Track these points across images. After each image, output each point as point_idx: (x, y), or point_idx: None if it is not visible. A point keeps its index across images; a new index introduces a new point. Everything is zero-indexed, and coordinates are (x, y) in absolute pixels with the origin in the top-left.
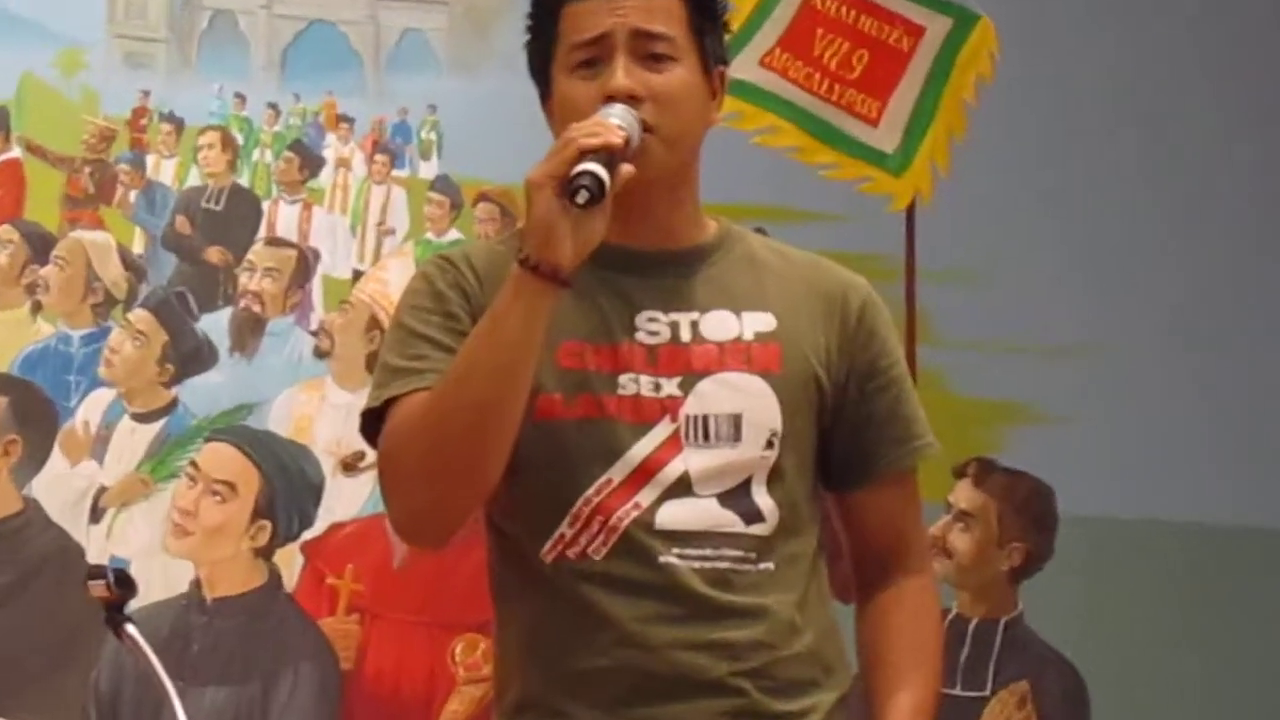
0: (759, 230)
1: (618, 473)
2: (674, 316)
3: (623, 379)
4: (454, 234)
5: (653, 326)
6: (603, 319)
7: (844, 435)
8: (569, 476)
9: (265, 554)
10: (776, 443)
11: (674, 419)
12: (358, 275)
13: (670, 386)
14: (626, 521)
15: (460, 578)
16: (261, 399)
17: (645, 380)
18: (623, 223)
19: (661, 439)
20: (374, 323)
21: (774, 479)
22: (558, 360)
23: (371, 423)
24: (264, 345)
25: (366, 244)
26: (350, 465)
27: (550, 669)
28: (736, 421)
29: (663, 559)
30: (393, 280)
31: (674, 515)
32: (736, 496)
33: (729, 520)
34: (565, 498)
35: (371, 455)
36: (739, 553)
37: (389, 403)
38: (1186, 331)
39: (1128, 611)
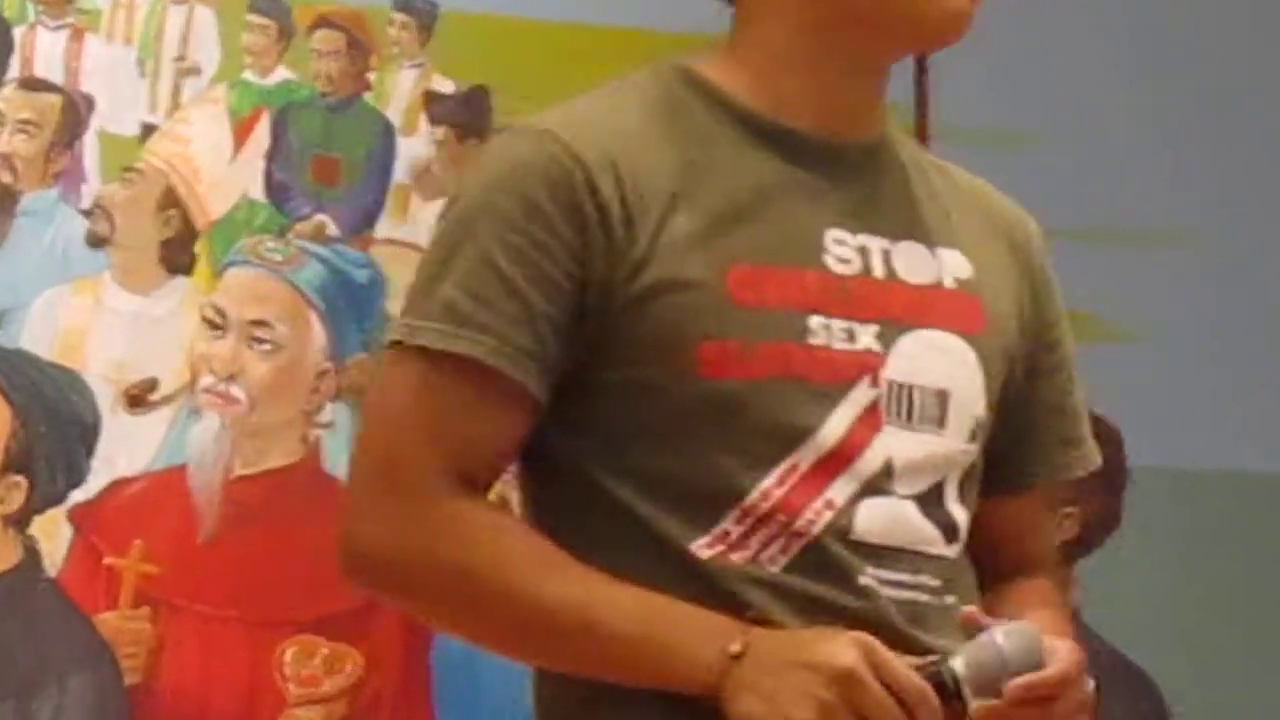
0: None
1: (806, 457)
2: (863, 240)
3: (814, 322)
4: (282, 73)
5: (841, 251)
6: (783, 231)
7: (1000, 425)
8: (742, 459)
9: (18, 523)
10: (980, 434)
11: (874, 383)
12: (148, 131)
13: (867, 336)
14: (819, 526)
15: (293, 559)
16: (12, 305)
17: (838, 326)
18: (813, 95)
19: (859, 410)
20: (170, 198)
21: (966, 484)
22: (729, 291)
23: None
24: (16, 230)
25: (160, 87)
26: (137, 399)
27: (653, 698)
28: (943, 400)
29: (862, 580)
30: (197, 139)
31: (873, 520)
32: (932, 503)
33: (929, 535)
34: (734, 487)
35: (171, 386)
36: (936, 581)
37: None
38: None
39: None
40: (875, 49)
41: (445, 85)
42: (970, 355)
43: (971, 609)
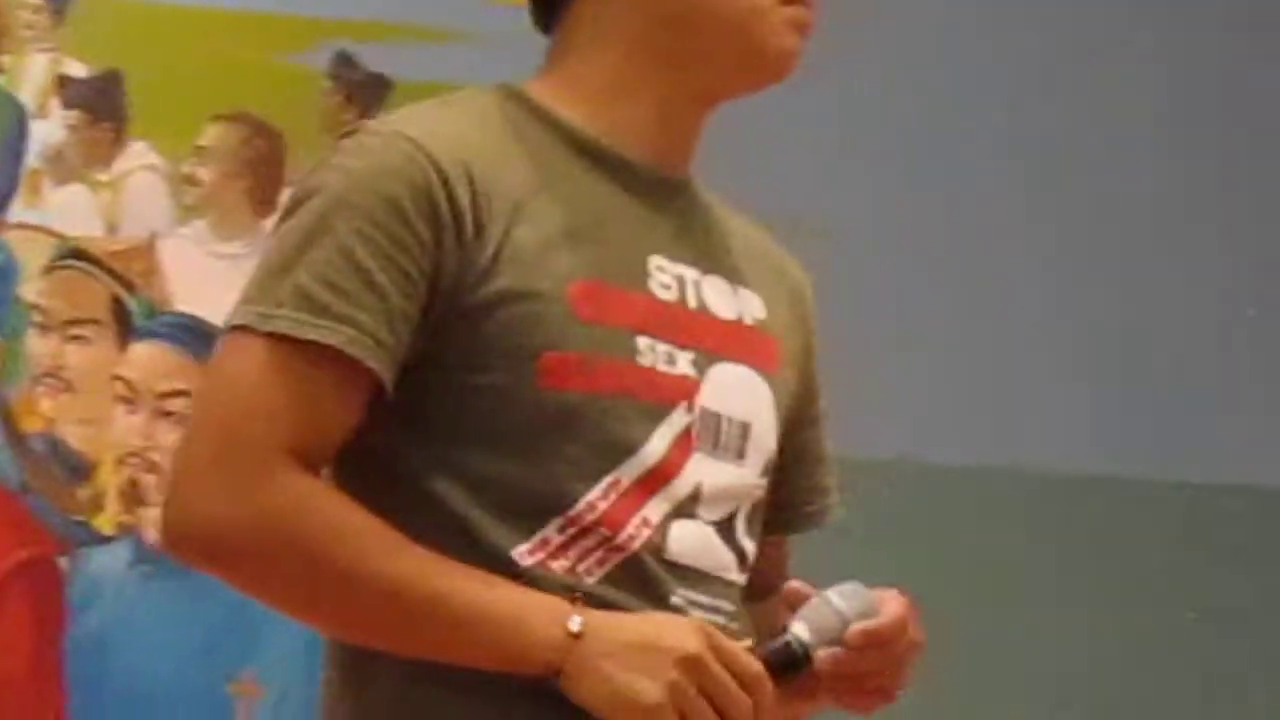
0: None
1: (629, 473)
2: (680, 270)
3: (641, 342)
4: None
5: (663, 278)
6: (616, 253)
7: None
8: (572, 469)
9: None
10: (769, 471)
11: (690, 408)
12: None
13: (684, 362)
14: (639, 543)
15: None
16: None
17: (661, 349)
18: (641, 126)
19: (676, 432)
20: None
21: (754, 516)
22: (573, 305)
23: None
24: None
25: None
26: None
27: (489, 685)
28: (745, 432)
29: (674, 599)
30: None
31: (683, 542)
32: (727, 531)
33: (728, 561)
34: (562, 495)
35: None
36: (731, 607)
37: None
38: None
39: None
40: (713, 84)
41: (78, 69)
42: (766, 392)
43: (794, 582)
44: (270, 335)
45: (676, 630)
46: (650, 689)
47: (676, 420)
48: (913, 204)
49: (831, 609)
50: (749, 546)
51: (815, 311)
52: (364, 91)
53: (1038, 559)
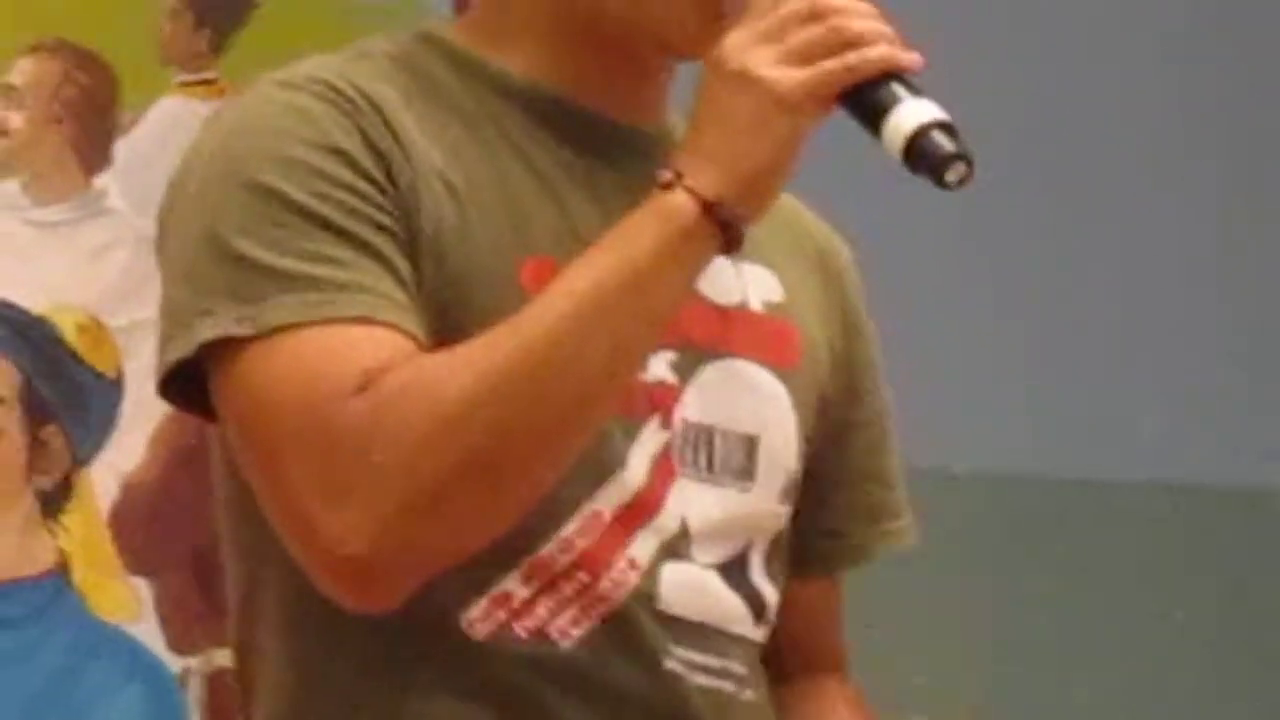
0: None
1: (610, 501)
2: None
3: None
4: None
5: None
6: (569, 225)
7: (801, 490)
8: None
9: (51, 506)
10: (793, 493)
11: (666, 421)
12: None
13: (660, 364)
14: (625, 592)
15: None
16: None
17: None
18: (585, 67)
19: (651, 454)
20: None
21: (775, 553)
22: (525, 289)
23: (203, 362)
24: None
25: None
26: None
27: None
28: (751, 447)
29: (668, 664)
30: None
31: (678, 589)
32: (736, 574)
33: (738, 612)
34: (525, 534)
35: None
36: (743, 669)
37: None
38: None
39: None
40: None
41: None
42: (782, 393)
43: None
44: (270, 334)
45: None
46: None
47: (648, 439)
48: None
49: None
50: (768, 592)
51: (860, 292)
52: (218, 12)
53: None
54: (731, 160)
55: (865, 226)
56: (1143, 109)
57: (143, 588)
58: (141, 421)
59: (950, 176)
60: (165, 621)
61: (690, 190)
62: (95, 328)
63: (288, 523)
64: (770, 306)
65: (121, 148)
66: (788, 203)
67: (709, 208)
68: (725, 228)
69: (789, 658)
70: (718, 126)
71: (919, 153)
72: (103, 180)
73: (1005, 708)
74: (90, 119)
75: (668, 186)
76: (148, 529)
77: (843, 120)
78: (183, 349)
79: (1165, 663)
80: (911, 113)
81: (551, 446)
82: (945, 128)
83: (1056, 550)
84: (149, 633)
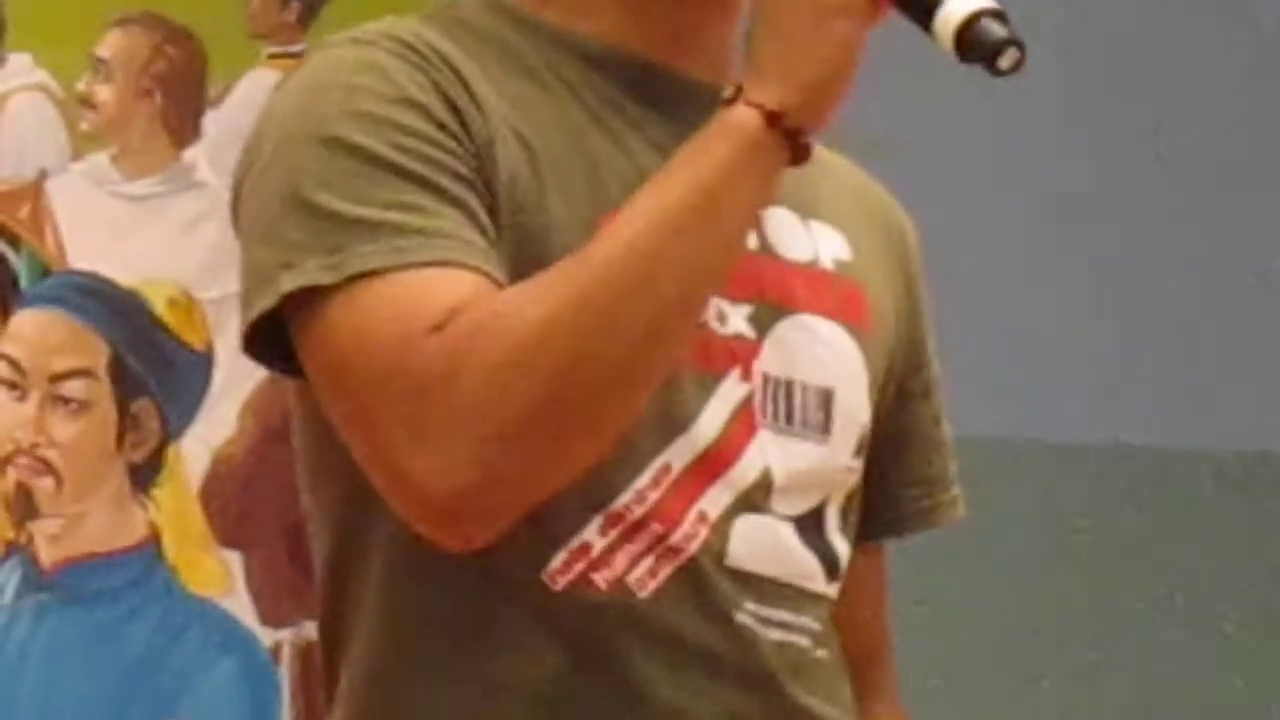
0: None
1: (681, 455)
2: None
3: None
4: None
5: None
6: (646, 179)
7: (872, 450)
8: (614, 451)
9: (142, 479)
10: (865, 449)
11: (746, 374)
12: None
13: (738, 319)
14: (696, 544)
15: None
16: None
17: (711, 303)
18: (652, 24)
19: (732, 406)
20: None
21: (849, 510)
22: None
23: (293, 312)
24: None
25: None
26: None
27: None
28: (827, 401)
29: (740, 618)
30: None
31: (750, 543)
32: (812, 529)
33: (811, 568)
34: (603, 485)
35: None
36: (817, 626)
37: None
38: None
39: None
40: None
41: None
42: (854, 350)
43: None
44: (353, 281)
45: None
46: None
47: (729, 392)
48: (977, 106)
49: None
50: (842, 549)
51: (920, 261)
52: None
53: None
54: (791, 69)
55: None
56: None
57: (234, 561)
58: (232, 395)
59: (1003, 62)
60: (257, 595)
61: (752, 103)
62: (185, 301)
63: (379, 466)
64: (841, 265)
65: (211, 121)
66: (853, 171)
67: (773, 118)
68: (791, 138)
69: (838, 628)
70: (775, 38)
71: (970, 41)
72: (192, 154)
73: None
74: (180, 92)
75: (730, 103)
76: (239, 502)
77: None
78: (266, 302)
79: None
80: (962, 2)
81: (629, 375)
82: (996, 15)
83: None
84: (241, 606)
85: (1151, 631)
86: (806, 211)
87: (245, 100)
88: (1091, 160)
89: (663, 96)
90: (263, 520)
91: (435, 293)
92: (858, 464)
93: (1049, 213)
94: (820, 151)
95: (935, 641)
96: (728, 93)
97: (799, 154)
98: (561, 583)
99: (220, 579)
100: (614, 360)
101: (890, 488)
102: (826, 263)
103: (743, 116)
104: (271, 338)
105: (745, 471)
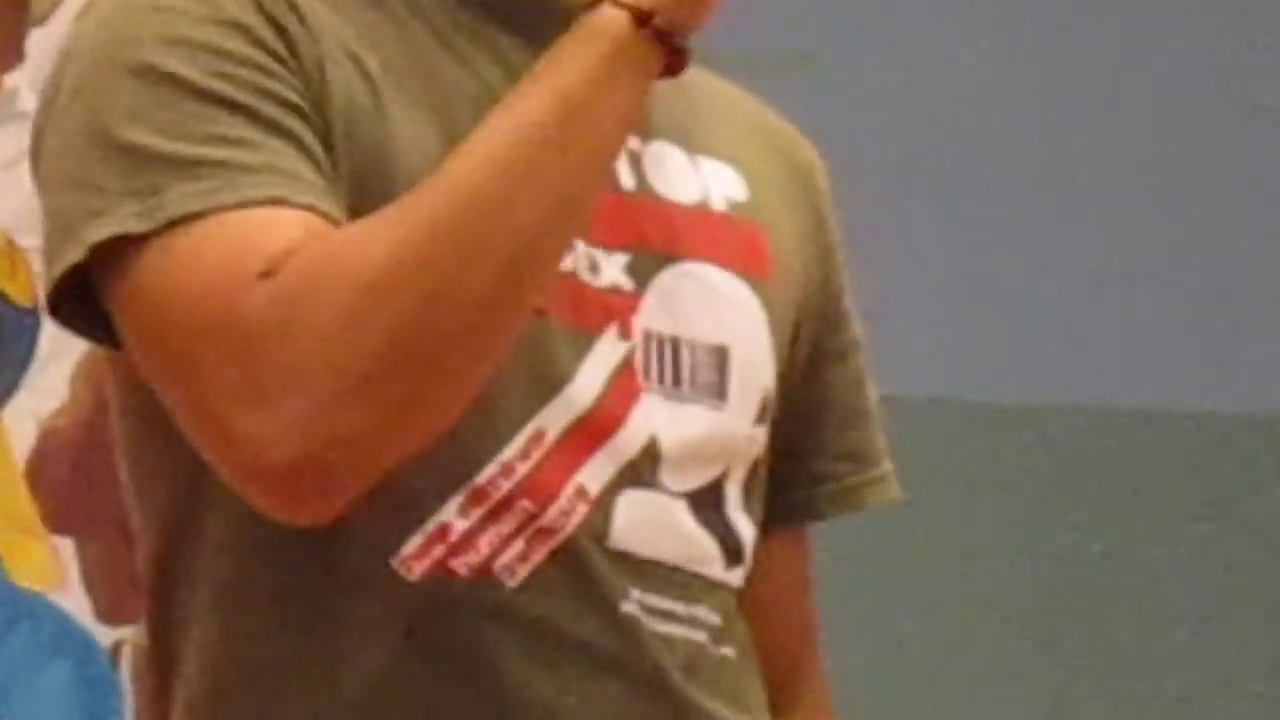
0: None
1: (554, 420)
2: None
3: None
4: None
5: None
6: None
7: (780, 423)
8: (475, 416)
9: None
10: (769, 414)
11: (625, 331)
12: None
13: (613, 269)
14: (574, 523)
15: None
16: None
17: (581, 250)
18: None
19: (611, 367)
20: None
21: (753, 484)
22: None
23: (108, 260)
24: None
25: None
26: None
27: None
28: (722, 360)
29: (625, 607)
30: None
31: (636, 521)
32: (708, 506)
33: (708, 551)
34: (463, 458)
35: None
36: (715, 619)
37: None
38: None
39: None
40: None
41: None
42: (752, 302)
43: None
44: (170, 228)
45: None
46: None
47: (606, 351)
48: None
49: None
50: (745, 529)
51: (831, 201)
52: None
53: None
54: None
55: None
56: None
57: (67, 550)
58: (62, 358)
59: None
60: (93, 587)
61: (619, 2)
62: (7, 249)
63: (205, 433)
64: (735, 205)
65: (36, 41)
66: (749, 100)
67: (643, 18)
68: (664, 41)
69: (752, 625)
70: None
71: None
72: (13, 79)
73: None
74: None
75: (595, 4)
76: (71, 481)
77: None
78: (73, 254)
79: None
80: None
81: (488, 315)
82: None
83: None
84: (75, 601)
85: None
86: (694, 146)
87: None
88: (1040, 79)
89: (526, 22)
90: (99, 502)
91: (264, 235)
92: (760, 432)
93: (998, 140)
94: (709, 79)
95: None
96: None
97: (674, 62)
98: (417, 571)
99: (51, 569)
100: (471, 297)
101: (805, 464)
102: (718, 203)
103: (609, 18)
104: (82, 297)
105: (629, 440)
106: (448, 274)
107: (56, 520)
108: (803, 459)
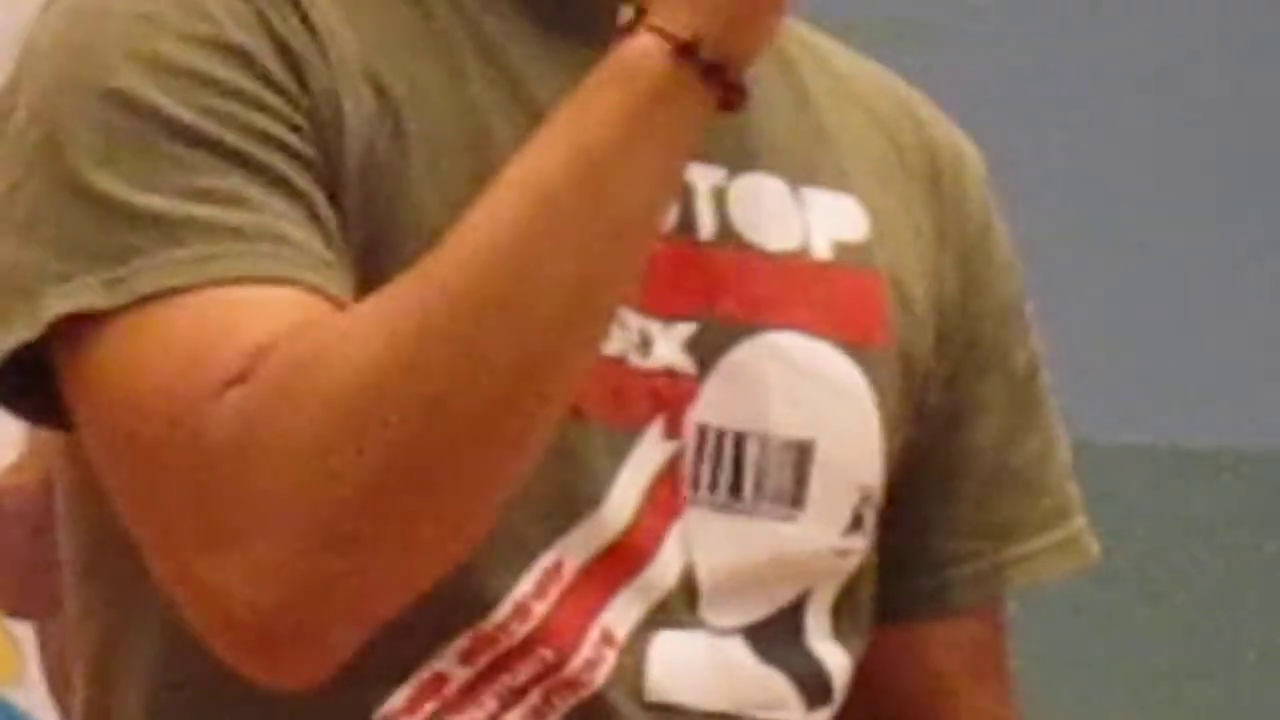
0: None
1: (574, 551)
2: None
3: None
4: None
5: None
6: None
7: (906, 493)
8: (486, 545)
9: None
10: (869, 518)
11: (673, 428)
12: None
13: (669, 345)
14: (602, 675)
15: None
16: None
17: (633, 323)
18: None
19: (648, 476)
20: None
21: (847, 604)
22: None
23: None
24: None
25: None
26: None
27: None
28: (802, 460)
29: None
30: None
31: (676, 669)
32: (779, 639)
33: (777, 693)
34: (470, 595)
35: None
36: None
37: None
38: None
39: None
40: None
41: None
42: (858, 381)
43: None
44: (141, 304)
45: None
46: None
47: (645, 455)
48: None
49: None
50: (833, 661)
51: (994, 213)
52: None
53: None
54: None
55: None
56: None
57: (26, 639)
58: None
59: None
60: (53, 676)
61: (657, 30)
62: None
63: (166, 576)
64: (845, 249)
65: None
66: (880, 80)
67: (686, 49)
68: (714, 75)
69: None
70: None
71: None
72: None
73: None
74: None
75: (628, 31)
76: (31, 550)
77: None
78: (25, 330)
79: None
80: None
81: (495, 431)
82: None
83: None
84: (33, 698)
85: None
86: (802, 173)
87: None
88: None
89: (584, 25)
90: (62, 577)
91: (241, 325)
92: (856, 542)
93: (1123, 125)
94: (837, 58)
95: None
96: (625, 16)
97: (727, 100)
98: None
99: (6, 662)
100: (470, 412)
101: (951, 537)
102: (820, 249)
103: (642, 50)
104: (29, 370)
105: (661, 573)
106: (440, 385)
107: (14, 600)
108: (943, 532)
